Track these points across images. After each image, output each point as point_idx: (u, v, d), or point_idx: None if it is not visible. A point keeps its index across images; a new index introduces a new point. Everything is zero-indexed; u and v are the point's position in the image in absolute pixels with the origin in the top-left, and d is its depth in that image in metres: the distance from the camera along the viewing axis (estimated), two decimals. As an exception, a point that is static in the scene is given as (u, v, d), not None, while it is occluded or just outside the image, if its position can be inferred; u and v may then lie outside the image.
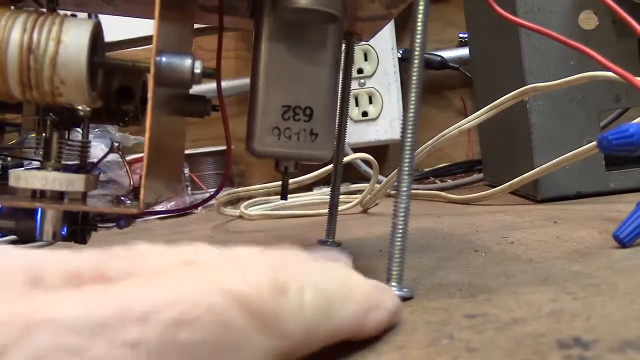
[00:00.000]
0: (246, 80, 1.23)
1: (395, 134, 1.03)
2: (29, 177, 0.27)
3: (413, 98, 0.28)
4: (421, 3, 0.28)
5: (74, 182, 0.27)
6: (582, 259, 0.33)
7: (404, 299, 0.28)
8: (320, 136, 0.34)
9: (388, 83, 1.03)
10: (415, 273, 0.34)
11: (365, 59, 1.03)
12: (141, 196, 0.25)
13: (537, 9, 0.59)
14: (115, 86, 0.34)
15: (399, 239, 0.28)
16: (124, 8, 0.42)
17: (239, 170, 1.19)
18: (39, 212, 0.29)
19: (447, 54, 1.11)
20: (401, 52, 1.06)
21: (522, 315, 0.24)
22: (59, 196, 0.28)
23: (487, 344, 0.21)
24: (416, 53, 0.28)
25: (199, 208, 1.00)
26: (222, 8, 0.35)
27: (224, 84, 1.26)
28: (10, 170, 0.27)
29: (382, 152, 1.12)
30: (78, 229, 0.33)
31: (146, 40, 1.17)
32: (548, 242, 0.39)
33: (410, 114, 0.28)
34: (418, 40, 0.28)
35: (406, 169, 0.27)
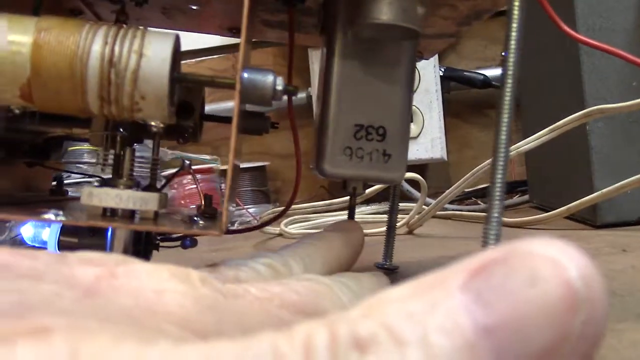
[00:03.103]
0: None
1: (436, 153, 1.02)
2: (102, 195, 0.26)
3: (505, 119, 0.26)
4: (515, 11, 0.26)
5: (148, 201, 0.26)
6: (673, 293, 0.31)
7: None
8: (393, 157, 0.33)
9: (429, 101, 1.01)
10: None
11: (407, 77, 1.01)
12: (224, 219, 0.23)
13: (599, 28, 0.57)
14: (176, 102, 0.33)
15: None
16: (184, 22, 0.41)
17: (276, 187, 1.18)
18: (110, 231, 0.28)
19: (490, 72, 1.09)
20: (443, 69, 1.04)
21: (633, 357, 0.22)
22: (130, 215, 0.27)
23: (607, 390, 0.19)
24: (509, 73, 0.26)
25: (236, 224, 0.99)
26: (292, 24, 0.34)
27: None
28: (82, 187, 0.26)
29: (421, 172, 1.10)
30: (142, 248, 0.32)
31: (193, 54, 1.18)
32: (625, 273, 0.37)
33: (502, 137, 0.26)
34: (511, 59, 0.26)
35: (497, 194, 0.26)
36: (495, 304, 0.11)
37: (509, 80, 0.26)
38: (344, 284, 0.21)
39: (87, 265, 0.15)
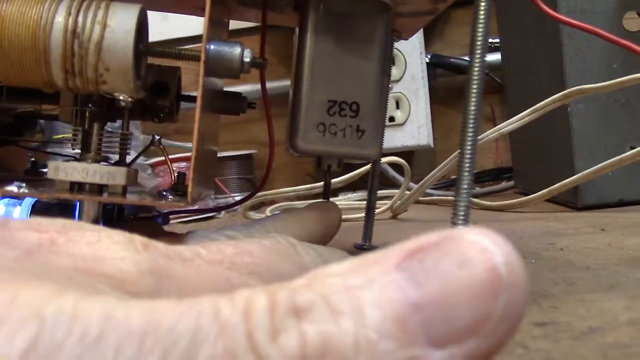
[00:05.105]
0: (269, 85, 1.22)
1: (422, 140, 1.01)
2: (68, 169, 0.25)
3: (474, 96, 0.26)
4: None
5: (116, 175, 0.26)
6: (646, 266, 0.31)
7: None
8: (367, 133, 0.32)
9: (416, 88, 1.01)
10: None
11: (393, 63, 1.01)
12: (189, 189, 0.23)
13: (580, 10, 0.57)
14: (150, 81, 0.33)
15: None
16: (156, 2, 0.41)
17: (262, 174, 1.17)
18: (77, 207, 0.28)
19: (476, 59, 1.08)
20: (429, 56, 1.04)
21: (599, 324, 0.22)
22: (98, 190, 0.26)
23: (569, 354, 0.19)
24: (477, 56, 0.26)
25: (222, 212, 0.99)
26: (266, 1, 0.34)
27: (247, 87, 1.25)
28: (48, 162, 0.26)
29: (408, 158, 1.09)
30: (113, 226, 0.32)
31: (175, 42, 1.17)
32: (601, 250, 0.37)
33: (471, 108, 0.26)
34: (480, 37, 0.26)
35: (466, 173, 0.26)
36: (426, 283, 0.11)
37: (477, 57, 0.26)
38: (310, 246, 0.21)
39: (30, 231, 0.15)
